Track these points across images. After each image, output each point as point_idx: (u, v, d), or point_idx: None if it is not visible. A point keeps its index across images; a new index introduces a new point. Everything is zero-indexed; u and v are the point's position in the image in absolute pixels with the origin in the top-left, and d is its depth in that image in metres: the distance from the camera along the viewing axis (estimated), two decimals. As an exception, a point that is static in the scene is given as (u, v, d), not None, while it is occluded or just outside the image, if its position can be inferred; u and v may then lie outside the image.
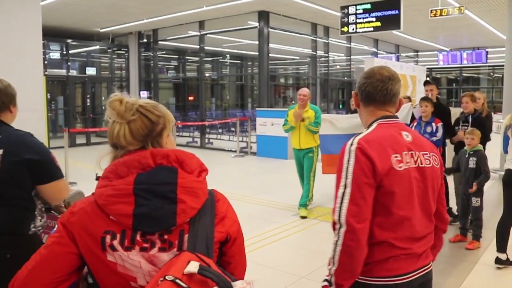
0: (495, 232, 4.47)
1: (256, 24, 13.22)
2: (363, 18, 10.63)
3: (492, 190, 7.30)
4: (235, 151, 12.89)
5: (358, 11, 10.66)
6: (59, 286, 1.35)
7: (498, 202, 6.29)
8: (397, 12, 10.05)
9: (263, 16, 12.99)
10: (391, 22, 10.25)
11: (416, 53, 22.70)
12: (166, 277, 1.19)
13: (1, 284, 2.36)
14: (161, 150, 1.40)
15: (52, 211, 2.73)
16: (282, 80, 23.19)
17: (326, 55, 16.36)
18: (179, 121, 15.90)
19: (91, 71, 17.18)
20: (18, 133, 2.37)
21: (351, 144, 1.77)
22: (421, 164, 1.83)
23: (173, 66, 20.99)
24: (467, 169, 5.17)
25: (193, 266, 1.23)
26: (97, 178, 1.42)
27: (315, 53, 15.92)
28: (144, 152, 1.38)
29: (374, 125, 1.89)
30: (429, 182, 1.84)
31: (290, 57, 21.40)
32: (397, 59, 20.13)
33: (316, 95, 16.42)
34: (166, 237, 1.32)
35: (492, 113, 7.44)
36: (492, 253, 4.94)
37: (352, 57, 17.67)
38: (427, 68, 21.17)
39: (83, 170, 10.21)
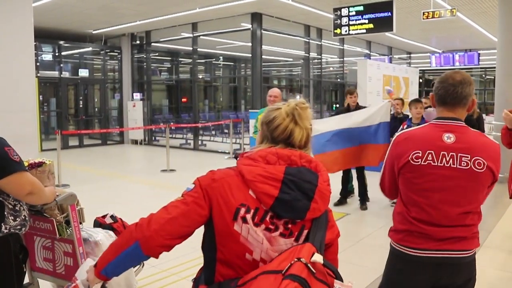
0: (488, 233, 4.49)
1: (249, 26, 13.22)
2: (355, 20, 10.68)
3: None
4: (228, 153, 12.89)
5: (351, 13, 10.70)
6: (179, 240, 1.57)
7: (491, 203, 6.32)
8: (389, 14, 10.09)
9: (256, 18, 13.00)
10: (384, 24, 10.30)
11: (408, 55, 22.79)
12: (301, 259, 1.43)
13: None
14: (307, 155, 1.66)
15: (45, 214, 2.72)
16: (275, 82, 23.19)
17: (319, 57, 16.38)
18: (172, 123, 15.90)
19: (83, 72, 17.11)
20: None
21: (395, 136, 2.27)
22: (453, 164, 2.06)
23: (166, 68, 20.95)
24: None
25: (319, 257, 1.46)
26: (237, 156, 1.69)
27: (308, 55, 15.93)
28: (294, 151, 1.63)
29: (428, 123, 2.22)
30: (463, 181, 2.06)
31: (283, 59, 21.42)
32: (390, 61, 20.20)
33: (309, 97, 16.44)
34: (289, 226, 1.56)
35: (484, 115, 7.52)
36: (485, 254, 4.97)
37: (345, 59, 17.71)
38: (420, 70, 21.28)
39: (75, 172, 10.17)
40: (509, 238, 5.50)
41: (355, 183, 7.33)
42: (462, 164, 2.05)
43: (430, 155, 2.07)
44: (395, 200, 5.74)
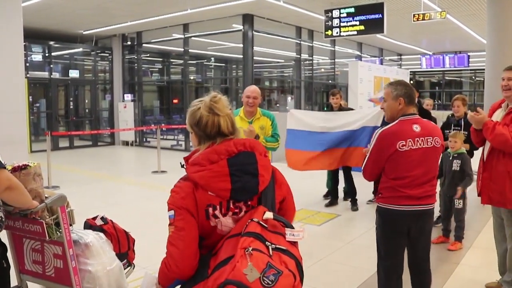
0: (477, 233, 4.52)
1: (241, 27, 13.22)
2: (347, 21, 10.72)
3: (475, 192, 7.37)
4: (219, 154, 12.85)
5: (342, 15, 10.73)
6: (198, 254, 1.86)
7: (479, 204, 6.35)
8: (380, 16, 10.14)
9: (248, 19, 13.00)
10: (375, 26, 10.35)
11: (399, 57, 22.89)
12: (253, 219, 1.76)
13: None
14: (239, 139, 1.92)
15: (34, 216, 2.70)
16: (266, 83, 23.20)
17: (311, 58, 16.41)
18: (163, 124, 15.84)
19: (74, 73, 17.02)
20: None
21: (377, 132, 3.09)
22: (423, 145, 3.02)
23: (157, 69, 20.89)
24: (450, 171, 5.22)
25: (270, 214, 1.80)
26: (183, 166, 1.96)
27: (299, 56, 15.96)
28: (229, 142, 1.88)
29: (397, 120, 3.10)
30: (430, 155, 3.06)
31: (275, 60, 21.43)
32: (381, 62, 20.29)
33: (300, 98, 16.46)
34: (249, 203, 1.89)
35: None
36: (474, 254, 5.00)
37: (336, 60, 17.76)
38: (410, 72, 21.38)
39: (66, 174, 10.11)
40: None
41: (341, 185, 7.35)
42: (428, 144, 3.04)
43: (409, 142, 3.00)
44: (371, 199, 7.16)
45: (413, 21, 10.45)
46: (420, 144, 3.00)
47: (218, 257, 1.76)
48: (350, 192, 7.08)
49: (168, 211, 1.86)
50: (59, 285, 2.90)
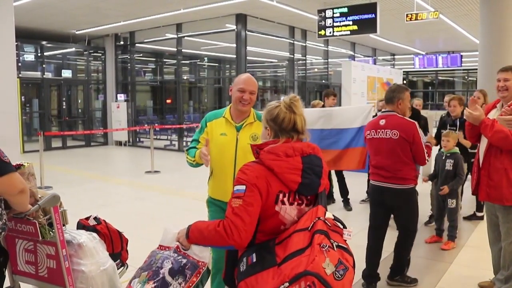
0: (470, 233, 4.54)
1: (234, 27, 13.21)
2: (340, 21, 10.73)
3: (469, 192, 7.41)
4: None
5: (335, 15, 10.75)
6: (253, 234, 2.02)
7: (473, 203, 6.39)
8: (373, 16, 10.16)
9: (241, 19, 13.00)
10: (368, 26, 10.37)
11: (392, 57, 22.96)
12: (320, 218, 1.96)
13: None
14: (310, 144, 2.17)
15: (27, 217, 2.68)
16: (260, 83, 23.21)
17: (304, 58, 16.43)
18: (156, 124, 15.81)
19: (67, 73, 16.95)
20: None
21: None
22: (382, 136, 3.92)
23: (150, 69, 20.85)
24: (443, 170, 5.24)
25: (330, 214, 2.01)
26: (258, 152, 2.11)
27: (292, 56, 15.97)
28: (304, 143, 2.14)
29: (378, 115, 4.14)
30: (389, 145, 3.88)
31: (268, 60, 21.45)
32: (374, 62, 20.35)
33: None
34: (309, 197, 2.12)
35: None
36: (467, 253, 5.02)
37: (329, 60, 17.79)
38: (404, 71, 21.46)
39: (59, 174, 10.07)
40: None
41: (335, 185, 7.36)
42: (386, 135, 3.88)
43: (373, 132, 3.99)
44: (364, 198, 7.45)
45: (406, 21, 10.48)
46: (380, 134, 3.92)
47: (287, 248, 1.91)
48: (342, 192, 7.09)
49: (239, 185, 2.01)
50: (52, 286, 2.89)
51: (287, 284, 1.79)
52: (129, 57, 16.81)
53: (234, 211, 1.96)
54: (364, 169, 6.47)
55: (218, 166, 3.22)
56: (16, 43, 8.21)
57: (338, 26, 10.79)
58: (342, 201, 7.08)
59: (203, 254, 2.20)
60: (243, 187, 1.99)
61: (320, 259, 1.81)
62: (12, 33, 7.95)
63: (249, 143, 3.04)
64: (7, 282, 3.09)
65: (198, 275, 2.13)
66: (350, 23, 10.58)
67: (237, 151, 3.16)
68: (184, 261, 2.15)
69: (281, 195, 2.03)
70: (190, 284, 2.10)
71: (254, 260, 1.95)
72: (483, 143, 3.71)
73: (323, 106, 7.23)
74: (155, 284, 2.08)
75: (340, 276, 1.82)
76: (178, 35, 14.68)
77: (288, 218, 2.05)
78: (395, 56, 23.08)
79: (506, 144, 3.48)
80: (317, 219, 1.95)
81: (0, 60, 7.80)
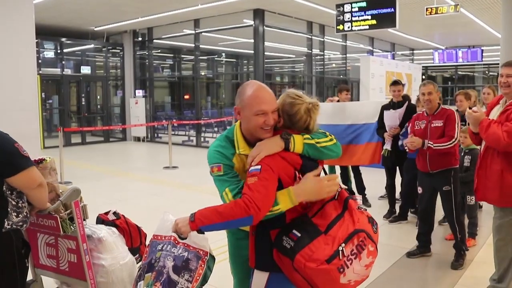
0: (491, 230, 4.47)
1: (252, 22, 13.20)
2: (358, 16, 10.63)
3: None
4: (230, 150, 12.87)
5: (353, 9, 10.65)
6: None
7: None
8: (392, 10, 10.05)
9: (259, 14, 12.97)
10: (387, 20, 10.26)
11: (411, 52, 22.74)
12: (341, 187, 2.20)
13: None
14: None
15: (50, 212, 2.72)
16: (278, 79, 23.18)
17: (322, 53, 16.35)
18: (174, 120, 15.88)
19: (86, 70, 17.11)
20: None
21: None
22: None
23: (168, 65, 20.95)
24: (462, 167, 5.17)
25: (343, 185, 2.43)
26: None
27: (310, 51, 15.91)
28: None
29: None
30: None
31: (286, 55, 21.39)
32: (393, 57, 20.16)
33: (312, 93, 16.37)
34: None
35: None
36: (488, 251, 4.95)
37: (347, 55, 17.68)
38: (423, 67, 21.23)
39: (78, 169, 10.18)
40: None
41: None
42: None
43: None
44: (382, 194, 7.26)
45: (426, 15, 10.36)
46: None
47: (326, 217, 2.09)
48: (359, 189, 7.05)
49: (254, 166, 2.09)
50: (73, 279, 2.93)
51: (343, 244, 1.98)
52: (147, 53, 16.90)
53: (250, 187, 2.04)
54: (379, 164, 6.46)
55: None
56: (36, 40, 8.31)
57: (356, 21, 10.69)
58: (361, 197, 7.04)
59: (203, 243, 2.18)
60: (258, 166, 2.08)
61: (363, 218, 2.09)
62: (33, 30, 8.05)
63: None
64: (29, 276, 3.15)
65: (203, 265, 2.12)
66: (369, 17, 10.47)
67: None
68: (186, 254, 2.13)
69: (297, 173, 2.16)
70: (198, 277, 2.10)
71: (299, 234, 2.04)
72: (484, 143, 3.65)
73: (338, 101, 7.18)
74: (162, 285, 2.06)
75: (375, 230, 2.11)
76: (196, 31, 14.71)
77: None
78: (414, 51, 22.84)
79: (498, 146, 3.41)
80: (339, 188, 2.18)
81: (21, 57, 7.90)
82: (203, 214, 2.06)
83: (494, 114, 3.66)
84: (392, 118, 5.88)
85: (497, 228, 3.64)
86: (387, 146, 5.98)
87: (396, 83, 6.16)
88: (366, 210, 2.19)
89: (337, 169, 7.32)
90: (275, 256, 2.11)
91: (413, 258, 4.71)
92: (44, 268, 3.11)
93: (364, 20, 10.57)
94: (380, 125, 6.14)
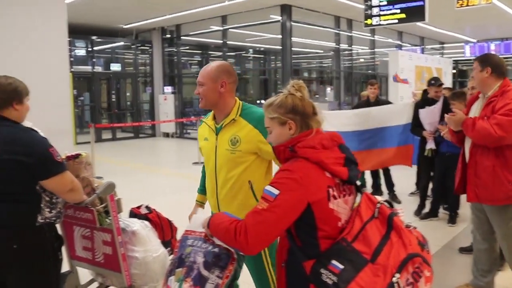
0: None
1: (279, 18, 13.19)
2: (387, 10, 10.50)
3: None
4: (259, 145, 12.91)
5: (381, 3, 10.53)
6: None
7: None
8: (422, 3, 9.90)
9: (286, 9, 12.96)
10: (416, 14, 10.11)
11: (441, 45, 22.36)
12: (380, 203, 1.90)
13: (10, 269, 2.49)
14: (334, 133, 1.99)
15: (86, 205, 2.81)
16: (305, 74, 23.09)
17: (350, 48, 16.24)
18: (202, 116, 16.00)
19: (115, 67, 17.38)
20: (15, 131, 2.43)
21: None
22: None
23: (196, 61, 21.08)
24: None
25: (380, 198, 1.94)
26: (292, 150, 1.87)
27: (338, 46, 15.81)
28: (331, 133, 1.96)
29: None
30: None
31: (313, 51, 21.29)
32: (422, 51, 19.86)
33: (340, 89, 16.33)
34: (349, 187, 1.92)
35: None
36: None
37: (376, 50, 17.50)
38: (453, 60, 20.84)
39: (109, 165, 10.37)
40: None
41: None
42: None
43: None
44: (413, 191, 7.17)
45: (456, 7, 10.17)
46: None
47: (369, 241, 1.77)
48: (388, 185, 7.00)
49: (272, 187, 1.79)
50: (108, 271, 3.01)
51: (397, 274, 1.69)
52: (175, 50, 17.06)
53: (254, 212, 1.78)
54: (411, 167, 6.39)
55: (206, 177, 2.73)
56: (69, 39, 8.49)
57: (385, 15, 10.56)
58: (388, 193, 6.98)
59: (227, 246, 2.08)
60: (276, 191, 1.76)
61: (413, 239, 1.81)
62: (65, 29, 8.24)
63: (227, 149, 2.51)
64: (66, 267, 3.24)
65: (233, 262, 2.02)
66: (398, 11, 10.34)
67: (217, 160, 2.56)
68: (216, 250, 2.03)
69: (330, 190, 1.82)
70: (228, 274, 2.01)
71: (341, 266, 1.72)
72: (468, 141, 3.55)
73: (367, 96, 7.12)
74: (193, 281, 2.01)
75: (428, 250, 1.86)
76: (223, 27, 14.78)
77: (342, 212, 1.85)
78: (444, 45, 22.45)
79: (490, 142, 3.30)
80: (378, 204, 1.87)
81: (54, 55, 8.10)
82: (213, 223, 1.95)
83: (474, 111, 3.56)
84: (432, 114, 5.60)
85: (506, 234, 3.50)
86: (431, 145, 5.69)
87: (435, 83, 5.99)
88: (415, 228, 1.91)
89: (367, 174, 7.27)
90: None
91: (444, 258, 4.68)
92: (80, 260, 3.19)
93: (393, 14, 10.44)
94: (416, 124, 5.90)
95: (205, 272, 2.01)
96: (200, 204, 2.90)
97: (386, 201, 1.94)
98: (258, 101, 20.03)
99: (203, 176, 2.87)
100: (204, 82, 2.57)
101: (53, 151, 2.42)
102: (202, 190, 2.87)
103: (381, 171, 7.13)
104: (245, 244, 1.74)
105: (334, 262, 1.73)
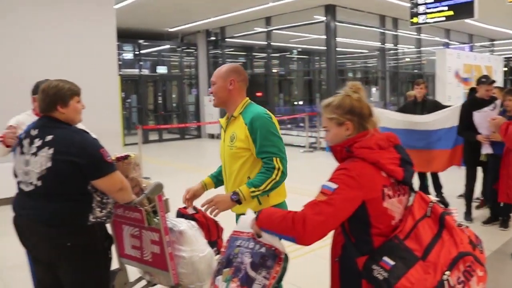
0: None
1: (323, 18, 13.12)
2: (433, 7, 10.26)
3: None
4: (304, 147, 12.90)
5: (428, 0, 10.31)
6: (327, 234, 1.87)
7: None
8: (470, -1, 9.64)
9: (330, 10, 12.88)
10: (464, 10, 9.83)
11: (491, 42, 21.66)
12: (432, 202, 1.94)
13: (62, 267, 2.57)
14: (391, 134, 2.04)
15: (135, 204, 2.88)
16: (350, 75, 22.87)
17: (395, 47, 15.97)
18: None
19: (162, 69, 17.70)
20: (68, 133, 2.50)
21: None
22: None
23: (241, 63, 21.18)
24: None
25: (433, 197, 1.98)
26: (349, 150, 1.93)
27: (383, 46, 15.58)
28: (387, 133, 2.01)
29: None
30: None
31: (358, 51, 21.06)
32: (471, 49, 19.31)
33: (385, 89, 16.09)
34: (404, 187, 1.96)
35: None
36: None
37: (422, 48, 17.14)
38: (505, 58, 20.16)
39: (156, 165, 10.58)
40: None
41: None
42: None
43: None
44: (462, 193, 6.53)
45: (508, 2, 9.83)
46: None
47: (421, 239, 1.82)
48: (436, 187, 6.84)
49: (331, 182, 1.86)
50: (156, 269, 3.08)
51: (447, 272, 1.71)
52: (220, 52, 17.21)
53: (312, 204, 1.83)
54: (460, 165, 6.22)
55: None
56: (117, 43, 8.73)
57: (432, 13, 10.32)
58: (436, 195, 6.83)
59: (275, 244, 2.07)
60: (335, 185, 1.82)
61: (464, 238, 1.83)
62: (114, 34, 8.48)
63: (228, 145, 2.71)
64: (115, 265, 3.34)
65: (280, 262, 2.03)
66: (445, 8, 10.08)
67: (224, 156, 2.80)
68: (263, 250, 2.04)
69: (385, 189, 1.87)
70: (275, 275, 2.01)
71: (392, 263, 1.77)
72: None
73: (415, 96, 6.98)
74: (240, 282, 2.02)
75: (482, 249, 1.87)
76: (267, 29, 14.82)
77: (396, 211, 1.90)
78: (495, 42, 21.75)
79: None
80: (431, 203, 1.93)
81: (104, 59, 8.36)
82: (264, 215, 1.97)
83: None
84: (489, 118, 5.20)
85: None
86: (487, 150, 5.36)
87: (487, 81, 5.69)
88: (467, 227, 1.93)
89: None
90: None
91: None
92: (128, 258, 3.28)
93: (440, 11, 10.19)
94: (467, 127, 5.63)
95: (252, 273, 2.03)
96: (203, 185, 3.08)
97: (439, 201, 1.98)
98: (296, 103, 19.91)
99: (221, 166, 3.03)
100: (215, 81, 2.83)
101: (104, 152, 2.49)
102: (213, 175, 3.13)
103: (428, 173, 6.98)
104: (302, 233, 1.77)
105: (385, 258, 1.78)
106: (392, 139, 1.99)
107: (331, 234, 1.99)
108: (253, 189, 2.51)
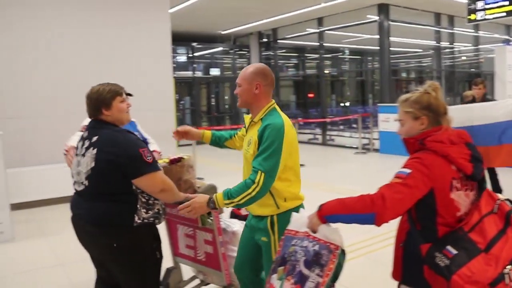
0: None
1: (376, 17, 12.93)
2: (493, 2, 9.88)
3: None
4: (356, 148, 12.76)
5: (487, -4, 9.95)
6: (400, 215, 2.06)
7: None
8: (534, -8, 9.22)
9: (383, 9, 12.67)
10: (527, 5, 9.42)
11: (556, 39, 20.70)
12: (500, 199, 2.04)
13: (112, 266, 2.65)
14: (462, 132, 2.15)
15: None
16: (404, 74, 22.42)
17: (451, 46, 15.53)
18: (300, 118, 16.08)
19: (215, 71, 17.93)
20: (111, 133, 2.56)
21: None
22: None
23: (293, 64, 21.19)
24: None
25: (502, 196, 2.07)
26: (421, 142, 2.06)
27: (439, 44, 15.18)
28: (458, 131, 2.13)
29: None
30: None
31: (412, 50, 20.62)
32: (533, 46, 18.50)
33: (441, 89, 15.64)
34: (472, 183, 2.06)
35: None
36: None
37: (480, 46, 16.58)
38: None
39: (209, 166, 10.74)
40: None
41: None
42: None
43: None
44: None
45: None
46: None
47: (485, 233, 1.90)
48: (495, 190, 6.60)
49: (405, 168, 2.00)
50: (209, 269, 3.14)
51: (509, 266, 1.79)
52: (272, 53, 17.27)
53: (389, 185, 1.96)
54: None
55: None
56: (171, 46, 8.93)
57: (491, 8, 9.94)
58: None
59: (334, 237, 2.08)
60: (408, 170, 1.97)
61: None
62: (169, 38, 8.68)
63: (245, 148, 2.78)
64: (170, 263, 3.43)
65: (334, 259, 2.03)
66: (506, 3, 9.65)
67: (243, 156, 2.87)
68: (316, 248, 2.05)
69: (454, 182, 1.99)
70: (328, 272, 2.01)
71: (454, 252, 1.87)
72: None
73: (473, 96, 6.77)
74: (294, 279, 2.03)
75: None
76: (320, 29, 14.75)
77: (462, 204, 2.01)
78: (559, 38, 20.77)
79: None
80: (498, 200, 2.03)
81: (159, 62, 8.58)
82: (330, 203, 2.06)
83: None
84: None
85: None
86: None
87: None
88: None
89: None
90: (426, 274, 1.97)
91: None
92: (183, 257, 3.36)
93: (500, 6, 9.78)
94: None
95: (305, 271, 2.04)
96: (201, 133, 3.23)
97: (507, 199, 2.06)
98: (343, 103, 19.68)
99: (227, 133, 3.35)
100: (240, 83, 2.76)
101: (144, 152, 2.50)
102: (214, 133, 3.32)
103: (487, 175, 6.75)
104: (383, 209, 1.89)
105: (449, 247, 1.88)
106: (463, 136, 2.10)
107: (397, 221, 2.15)
108: (227, 201, 2.50)
